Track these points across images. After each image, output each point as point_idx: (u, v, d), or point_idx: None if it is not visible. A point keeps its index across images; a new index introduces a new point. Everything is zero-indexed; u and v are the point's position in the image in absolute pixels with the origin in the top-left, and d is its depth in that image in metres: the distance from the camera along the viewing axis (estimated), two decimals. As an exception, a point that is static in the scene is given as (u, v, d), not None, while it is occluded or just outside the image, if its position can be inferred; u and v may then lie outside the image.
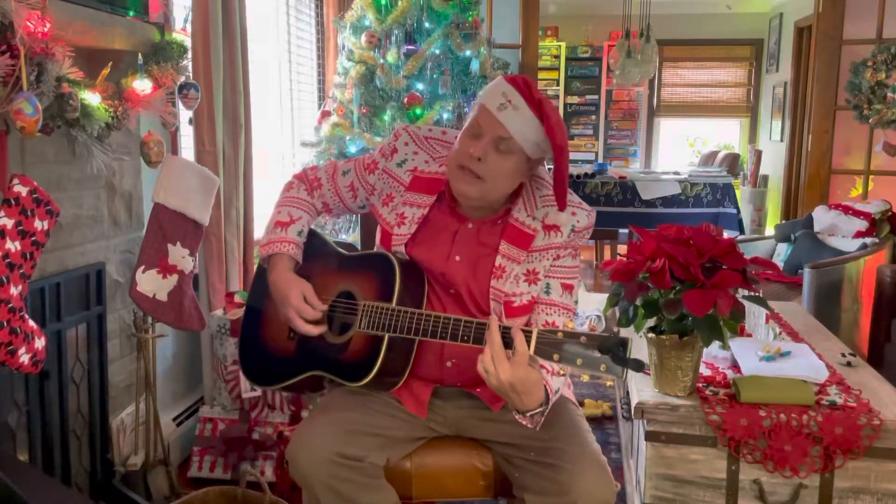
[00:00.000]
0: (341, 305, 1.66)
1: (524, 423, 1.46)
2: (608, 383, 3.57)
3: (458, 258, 1.64)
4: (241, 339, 1.81)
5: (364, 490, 1.54)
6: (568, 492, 1.47)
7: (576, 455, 1.51)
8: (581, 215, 1.64)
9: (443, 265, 1.64)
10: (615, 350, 1.30)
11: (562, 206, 1.61)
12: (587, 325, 3.90)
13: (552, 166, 1.57)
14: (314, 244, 1.77)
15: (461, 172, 1.55)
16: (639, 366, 1.30)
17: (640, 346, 2.03)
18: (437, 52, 3.54)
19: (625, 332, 1.47)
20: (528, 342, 1.36)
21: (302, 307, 1.61)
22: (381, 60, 3.50)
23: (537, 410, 1.44)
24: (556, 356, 1.35)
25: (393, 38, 3.49)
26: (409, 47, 3.52)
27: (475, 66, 3.64)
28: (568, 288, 1.64)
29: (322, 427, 1.56)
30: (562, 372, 1.55)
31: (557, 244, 1.62)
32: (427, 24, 3.54)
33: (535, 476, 1.53)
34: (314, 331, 1.62)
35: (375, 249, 1.72)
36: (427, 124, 3.32)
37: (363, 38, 3.54)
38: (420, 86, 3.54)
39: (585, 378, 3.61)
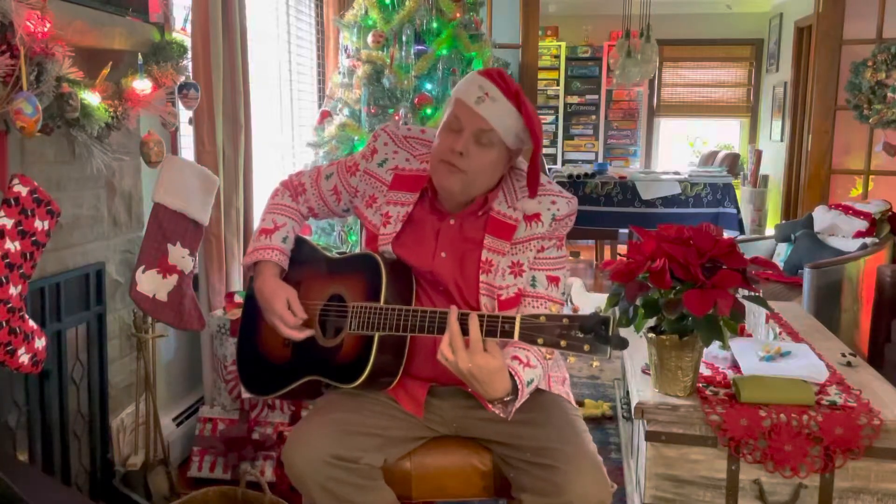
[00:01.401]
0: (333, 309, 1.66)
1: (497, 412, 1.46)
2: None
3: (443, 255, 1.64)
4: (238, 351, 1.81)
5: (360, 491, 1.53)
6: (563, 492, 1.47)
7: (571, 455, 1.51)
8: (561, 203, 1.64)
9: (429, 263, 1.64)
10: (597, 329, 1.29)
11: (533, 192, 1.62)
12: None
13: None
14: (302, 250, 1.77)
15: (443, 166, 1.56)
16: (622, 343, 1.30)
17: (640, 346, 2.03)
18: (446, 52, 3.54)
19: (624, 333, 1.46)
20: (512, 328, 1.36)
21: (285, 314, 1.62)
22: (389, 60, 3.49)
23: (507, 399, 1.44)
24: (540, 340, 1.34)
25: (403, 38, 3.49)
26: (419, 47, 3.52)
27: (478, 66, 3.64)
28: (554, 280, 1.64)
29: (317, 429, 1.56)
30: (548, 357, 1.53)
31: (539, 235, 1.62)
32: (434, 25, 3.53)
33: (532, 476, 1.53)
34: (299, 335, 1.63)
35: (361, 250, 1.72)
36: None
37: (370, 37, 3.53)
38: (429, 86, 3.53)
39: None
